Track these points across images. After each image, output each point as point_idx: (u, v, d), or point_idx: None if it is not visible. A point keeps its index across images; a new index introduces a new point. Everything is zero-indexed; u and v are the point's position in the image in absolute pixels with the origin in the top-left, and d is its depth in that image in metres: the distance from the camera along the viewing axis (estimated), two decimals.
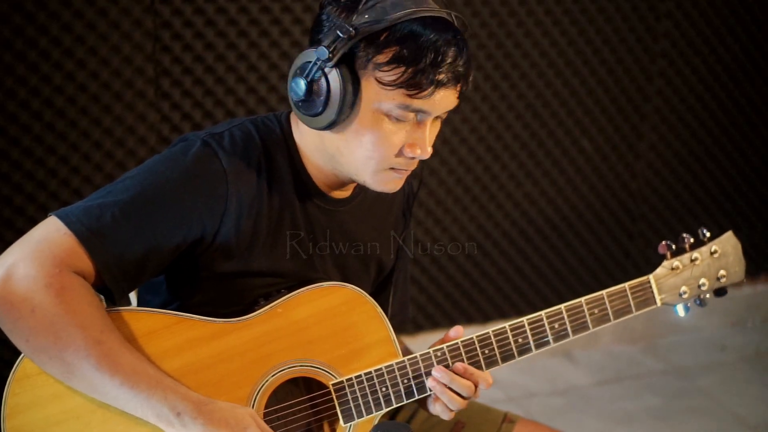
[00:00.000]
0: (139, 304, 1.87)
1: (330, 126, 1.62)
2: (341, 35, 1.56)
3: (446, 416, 1.75)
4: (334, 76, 1.59)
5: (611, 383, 3.71)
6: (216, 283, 1.71)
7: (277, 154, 1.73)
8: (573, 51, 3.58)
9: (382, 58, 1.58)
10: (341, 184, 1.78)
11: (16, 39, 2.79)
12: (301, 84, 1.61)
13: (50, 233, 1.57)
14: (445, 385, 1.72)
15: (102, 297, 1.63)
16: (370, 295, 1.77)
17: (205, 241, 1.67)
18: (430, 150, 1.67)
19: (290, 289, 1.72)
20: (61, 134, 2.92)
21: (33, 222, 2.90)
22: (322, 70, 1.59)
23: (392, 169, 1.68)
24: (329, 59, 1.57)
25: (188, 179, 1.64)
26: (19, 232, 2.91)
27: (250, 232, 1.69)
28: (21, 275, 1.52)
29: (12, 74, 2.81)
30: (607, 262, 3.90)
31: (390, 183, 1.71)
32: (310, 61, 1.60)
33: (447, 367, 1.74)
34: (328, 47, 1.56)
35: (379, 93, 1.60)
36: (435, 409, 1.76)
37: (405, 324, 2.05)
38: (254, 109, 3.13)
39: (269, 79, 3.14)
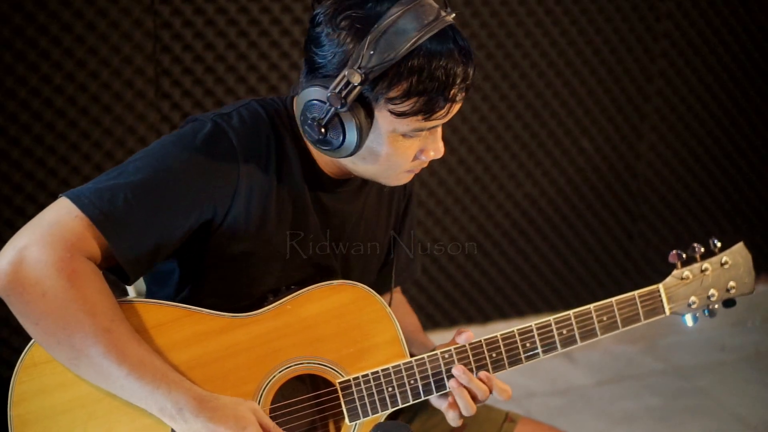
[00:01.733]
0: (147, 296, 1.87)
1: (347, 156, 1.64)
2: (353, 83, 1.54)
3: (456, 423, 1.76)
4: (348, 117, 1.59)
5: (611, 383, 3.71)
6: (225, 271, 1.71)
7: (284, 133, 1.74)
8: (573, 51, 3.58)
9: (394, 93, 1.57)
10: (344, 174, 1.79)
11: (16, 39, 2.79)
12: (316, 128, 1.61)
13: (62, 216, 1.56)
14: (464, 386, 1.72)
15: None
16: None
17: (216, 222, 1.67)
18: (443, 150, 1.69)
19: (300, 286, 1.72)
20: (61, 134, 2.92)
21: None
22: (337, 113, 1.59)
23: (407, 170, 1.71)
24: (342, 105, 1.56)
25: (200, 160, 1.64)
26: None
27: (261, 212, 1.69)
28: (33, 259, 1.52)
29: (12, 74, 2.81)
30: (607, 262, 3.90)
31: (403, 180, 1.75)
32: (323, 102, 1.59)
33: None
34: (339, 94, 1.55)
35: (393, 122, 1.60)
36: (447, 414, 1.76)
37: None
38: None
39: (269, 79, 3.14)
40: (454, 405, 1.75)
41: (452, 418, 1.76)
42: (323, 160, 1.76)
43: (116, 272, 1.63)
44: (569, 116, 3.65)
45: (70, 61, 2.87)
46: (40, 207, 2.87)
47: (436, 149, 1.68)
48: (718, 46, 3.80)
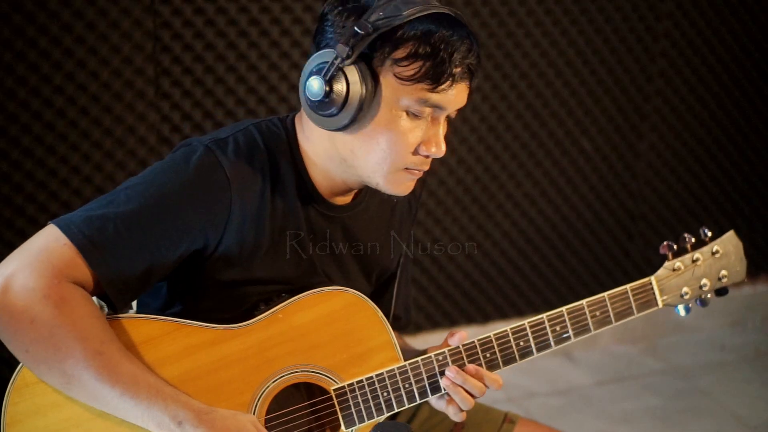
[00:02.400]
0: (138, 308, 1.87)
1: (348, 125, 1.61)
2: (359, 32, 1.55)
3: (458, 418, 1.75)
4: (353, 74, 1.58)
5: (611, 383, 3.71)
6: (217, 290, 1.71)
7: (281, 160, 1.72)
8: (573, 51, 3.58)
9: (400, 54, 1.58)
10: (346, 190, 1.78)
11: (16, 39, 2.79)
12: (320, 83, 1.58)
13: (50, 243, 1.55)
14: (459, 385, 1.72)
15: (104, 304, 1.62)
16: (372, 298, 1.77)
17: (208, 251, 1.66)
18: (444, 148, 1.67)
19: (291, 294, 1.71)
20: (61, 134, 2.92)
21: (33, 222, 2.91)
22: (341, 68, 1.58)
23: (406, 169, 1.67)
24: (348, 57, 1.56)
25: (191, 190, 1.62)
26: (19, 232, 2.92)
27: (253, 240, 1.68)
28: (20, 286, 1.51)
29: (12, 74, 2.81)
30: (606, 261, 3.91)
31: (403, 185, 1.70)
32: (327, 62, 1.58)
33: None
34: (346, 43, 1.55)
35: (397, 89, 1.60)
36: (448, 411, 1.76)
37: (408, 326, 2.05)
38: (254, 109, 3.13)
39: (269, 79, 3.14)
40: (452, 401, 1.75)
41: (453, 414, 1.75)
42: (323, 181, 1.75)
43: (106, 299, 1.62)
44: (569, 116, 3.65)
45: (71, 61, 2.87)
46: (40, 207, 2.91)
47: (438, 144, 1.66)
48: (718, 46, 3.79)
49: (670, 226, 3.96)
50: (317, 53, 1.61)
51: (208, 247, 1.65)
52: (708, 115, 3.88)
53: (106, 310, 1.61)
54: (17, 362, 1.57)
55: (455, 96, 1.63)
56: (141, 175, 1.66)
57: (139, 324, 1.61)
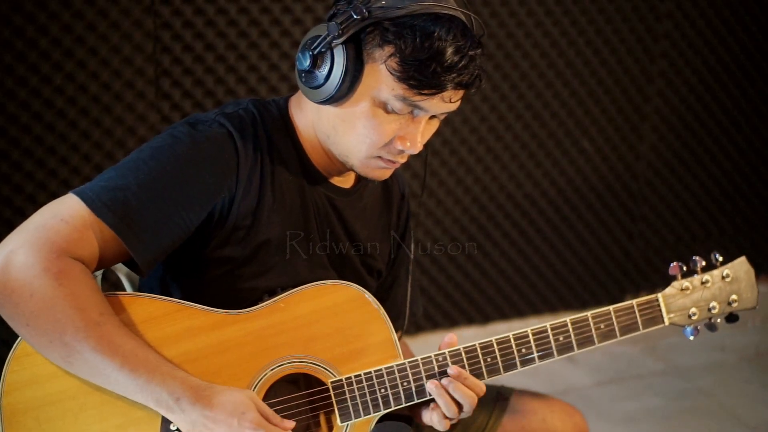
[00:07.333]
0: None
1: (327, 101, 1.64)
2: (354, 16, 1.57)
3: (442, 427, 1.73)
4: (339, 54, 1.60)
5: (611, 384, 3.70)
6: (222, 275, 1.72)
7: (276, 134, 1.75)
8: (573, 52, 3.58)
9: (389, 49, 1.58)
10: (338, 170, 1.80)
11: (16, 40, 2.79)
12: (307, 54, 1.63)
13: (46, 220, 1.58)
14: (444, 388, 1.71)
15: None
16: (375, 296, 1.77)
17: (215, 219, 1.68)
18: (419, 146, 1.68)
19: (294, 287, 1.72)
20: (61, 135, 2.92)
21: None
22: (330, 45, 1.60)
23: (380, 157, 1.70)
24: (338, 36, 1.58)
25: (205, 157, 1.66)
26: None
27: (254, 207, 1.71)
28: (19, 262, 1.53)
29: (12, 75, 2.82)
30: (607, 262, 3.90)
31: (376, 171, 1.73)
32: (320, 35, 1.62)
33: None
34: (339, 24, 1.58)
35: (379, 81, 1.61)
36: (432, 418, 1.74)
37: (407, 323, 2.04)
38: None
39: (269, 79, 3.14)
40: (437, 407, 1.72)
41: (437, 422, 1.73)
42: (315, 155, 1.77)
43: (127, 264, 1.66)
44: (570, 117, 3.65)
45: (71, 61, 2.87)
46: (40, 207, 2.90)
47: (413, 141, 1.67)
48: (718, 46, 3.80)
49: (671, 227, 3.96)
50: (318, 25, 1.65)
51: (219, 212, 1.68)
52: (708, 115, 3.89)
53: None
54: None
55: (438, 102, 1.63)
56: (153, 143, 1.69)
57: (141, 302, 1.63)
